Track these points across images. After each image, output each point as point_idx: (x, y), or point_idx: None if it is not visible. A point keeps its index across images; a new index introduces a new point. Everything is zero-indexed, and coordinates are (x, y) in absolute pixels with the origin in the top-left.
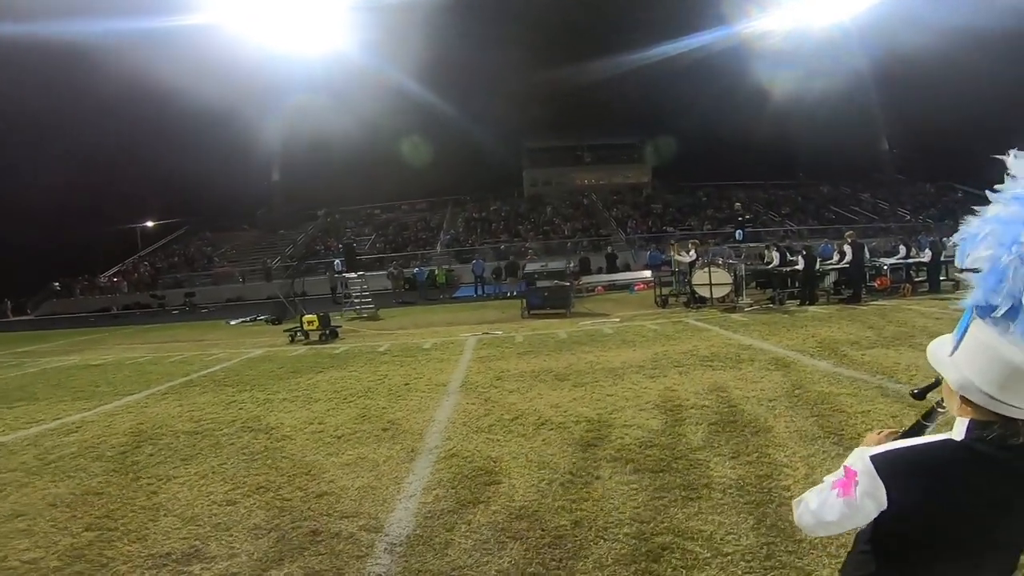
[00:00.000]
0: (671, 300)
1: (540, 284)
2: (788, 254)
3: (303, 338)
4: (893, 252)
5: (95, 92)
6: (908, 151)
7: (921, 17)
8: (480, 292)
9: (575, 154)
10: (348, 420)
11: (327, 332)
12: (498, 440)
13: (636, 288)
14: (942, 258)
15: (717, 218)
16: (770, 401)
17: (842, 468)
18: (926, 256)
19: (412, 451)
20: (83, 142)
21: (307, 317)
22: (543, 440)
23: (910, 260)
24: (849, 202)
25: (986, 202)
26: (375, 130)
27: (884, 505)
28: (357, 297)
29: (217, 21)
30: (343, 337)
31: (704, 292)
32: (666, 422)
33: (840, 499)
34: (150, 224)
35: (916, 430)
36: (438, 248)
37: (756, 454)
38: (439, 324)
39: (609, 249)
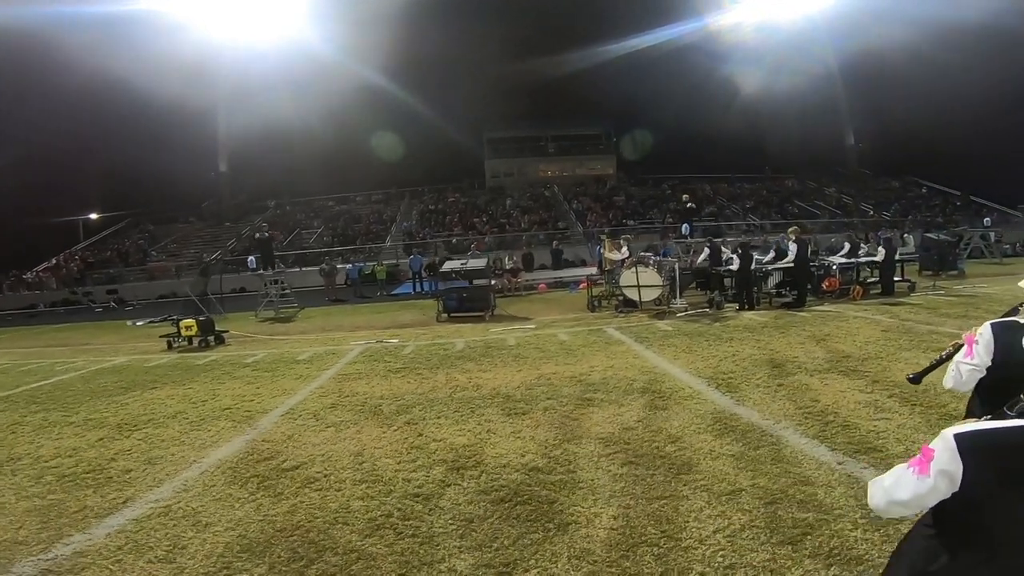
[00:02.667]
0: (604, 303)
1: (458, 284)
2: (723, 251)
3: (186, 344)
4: (836, 249)
5: (36, 80)
6: (874, 146)
7: (887, 11)
8: (419, 289)
9: (538, 144)
10: (97, 456)
11: (207, 338)
12: (237, 502)
13: (581, 286)
14: (897, 257)
15: (679, 211)
16: (617, 470)
17: (920, 450)
18: (879, 254)
19: (112, 506)
20: (23, 131)
21: (184, 322)
22: (289, 507)
23: (862, 259)
24: (814, 196)
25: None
26: (332, 120)
27: (957, 485)
28: (278, 296)
29: (166, 7)
30: (229, 343)
31: (633, 295)
32: (433, 494)
33: (914, 477)
34: (94, 216)
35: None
36: (387, 241)
37: None
38: (348, 327)
39: (555, 244)
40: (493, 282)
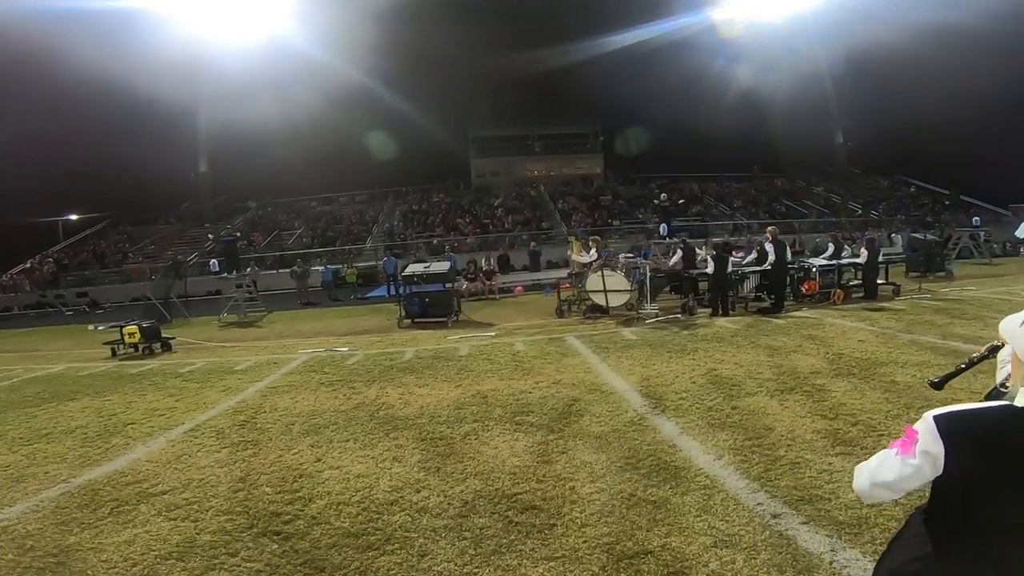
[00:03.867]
0: (574, 307)
1: (421, 288)
2: (698, 253)
3: (132, 351)
4: (820, 250)
5: (14, 76)
6: (863, 144)
7: (877, 11)
8: (394, 292)
9: (525, 143)
10: None
11: (151, 345)
12: (77, 528)
13: (560, 289)
14: (880, 258)
15: (667, 211)
16: (486, 523)
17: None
18: (862, 256)
19: None
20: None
21: (128, 328)
22: (129, 537)
23: (843, 260)
24: (802, 195)
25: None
26: (317, 119)
27: (941, 468)
28: (245, 300)
29: (148, 4)
30: (175, 350)
31: (600, 300)
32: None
33: (898, 457)
34: (74, 217)
35: None
36: (368, 243)
37: None
38: (307, 333)
39: (532, 245)
40: (465, 285)
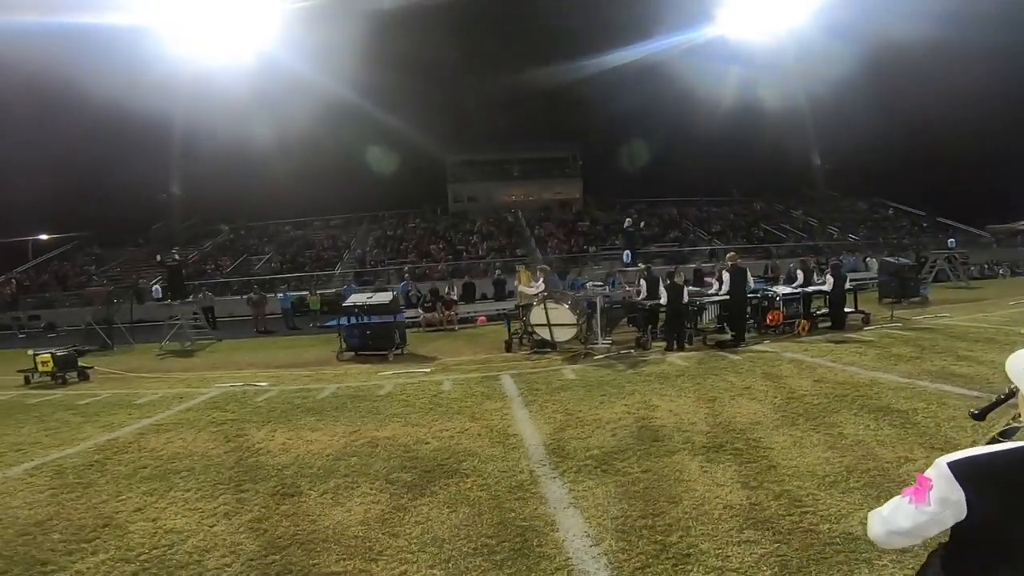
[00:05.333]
0: (524, 341)
1: (361, 320)
2: (664, 283)
3: (49, 379)
4: (790, 279)
5: None
6: (841, 167)
7: (856, 33)
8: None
9: (503, 168)
10: None
11: (64, 374)
12: None
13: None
14: (848, 285)
15: (644, 236)
16: None
17: (915, 479)
18: (827, 284)
19: None
20: None
21: (40, 356)
22: None
23: (809, 289)
24: (780, 219)
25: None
26: (294, 143)
27: (963, 513)
28: (192, 328)
29: (122, 21)
30: (93, 380)
31: (546, 334)
32: None
33: (912, 505)
34: (44, 237)
35: None
36: (337, 269)
37: None
38: (242, 365)
39: (497, 274)
40: (422, 315)
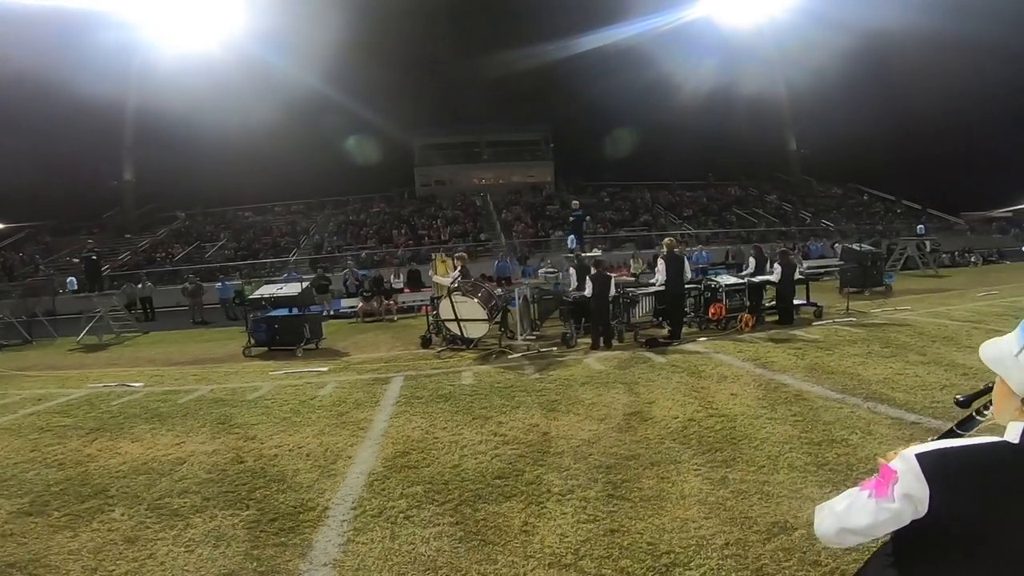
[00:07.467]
0: (444, 336)
1: (269, 313)
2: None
3: None
4: (739, 267)
5: None
6: (817, 152)
7: (833, 19)
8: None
9: (473, 150)
10: None
11: None
12: None
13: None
14: (797, 275)
15: (613, 220)
16: None
17: (878, 468)
18: (775, 273)
19: None
20: None
21: None
22: None
23: (756, 279)
24: (754, 204)
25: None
26: (255, 126)
27: (923, 511)
28: (114, 320)
29: (74, 4)
30: None
31: (456, 329)
32: None
33: (872, 500)
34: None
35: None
36: (293, 256)
37: None
38: (144, 361)
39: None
40: (360, 305)
